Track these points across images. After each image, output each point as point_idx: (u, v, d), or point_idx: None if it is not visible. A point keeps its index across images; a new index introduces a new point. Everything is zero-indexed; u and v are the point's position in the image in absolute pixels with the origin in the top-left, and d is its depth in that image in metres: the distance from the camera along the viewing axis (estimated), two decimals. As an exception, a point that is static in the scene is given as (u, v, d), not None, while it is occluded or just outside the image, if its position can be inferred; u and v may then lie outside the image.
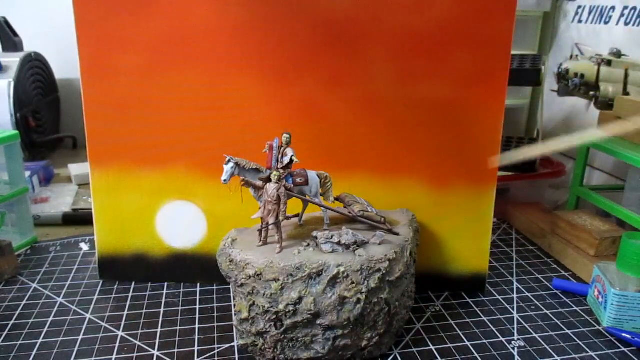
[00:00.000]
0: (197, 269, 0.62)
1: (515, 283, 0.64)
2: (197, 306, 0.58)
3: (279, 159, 0.48)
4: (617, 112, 0.71)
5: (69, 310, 0.57)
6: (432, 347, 0.51)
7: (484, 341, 0.52)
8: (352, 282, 0.45)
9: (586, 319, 0.56)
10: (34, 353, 0.50)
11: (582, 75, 0.88)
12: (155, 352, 0.50)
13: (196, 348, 0.51)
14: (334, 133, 0.57)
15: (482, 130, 0.56)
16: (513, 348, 0.51)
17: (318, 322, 0.45)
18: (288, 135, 0.48)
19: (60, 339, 0.52)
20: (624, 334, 0.52)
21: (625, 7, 0.81)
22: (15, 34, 1.07)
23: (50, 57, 1.14)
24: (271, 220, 0.47)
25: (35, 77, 1.08)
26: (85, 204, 0.85)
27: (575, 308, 0.59)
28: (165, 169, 0.59)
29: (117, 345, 0.51)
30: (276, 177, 0.46)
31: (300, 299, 0.45)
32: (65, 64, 1.15)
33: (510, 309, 0.58)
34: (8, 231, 0.71)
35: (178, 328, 0.54)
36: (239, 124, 0.57)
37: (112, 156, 0.58)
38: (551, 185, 0.89)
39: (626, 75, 0.80)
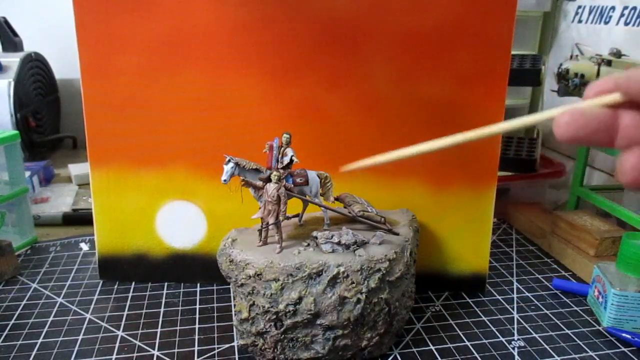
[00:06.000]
0: (197, 269, 0.62)
1: (515, 283, 0.64)
2: (197, 306, 0.58)
3: (279, 159, 0.48)
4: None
5: (69, 310, 0.57)
6: (432, 347, 0.51)
7: (484, 341, 0.52)
8: (352, 282, 0.45)
9: (586, 319, 0.56)
10: (34, 353, 0.50)
11: (582, 75, 0.88)
12: (155, 352, 0.50)
13: (196, 348, 0.51)
14: (334, 133, 0.57)
15: (482, 130, 0.56)
16: (513, 348, 0.51)
17: (318, 322, 0.45)
18: (288, 135, 0.48)
19: (60, 339, 0.52)
20: (624, 334, 0.52)
21: (625, 7, 0.81)
22: (15, 34, 1.07)
23: (50, 57, 1.14)
24: (271, 220, 0.47)
25: (35, 77, 1.08)
26: (85, 204, 0.85)
27: (575, 308, 0.59)
28: (165, 169, 0.59)
29: (117, 345, 0.51)
30: (276, 177, 0.46)
31: (300, 299, 0.45)
32: (65, 64, 1.15)
33: (510, 309, 0.58)
34: (8, 231, 0.71)
35: (178, 328, 0.54)
36: (239, 124, 0.57)
37: (112, 156, 0.58)
38: (551, 185, 0.89)
39: (626, 75, 0.80)
